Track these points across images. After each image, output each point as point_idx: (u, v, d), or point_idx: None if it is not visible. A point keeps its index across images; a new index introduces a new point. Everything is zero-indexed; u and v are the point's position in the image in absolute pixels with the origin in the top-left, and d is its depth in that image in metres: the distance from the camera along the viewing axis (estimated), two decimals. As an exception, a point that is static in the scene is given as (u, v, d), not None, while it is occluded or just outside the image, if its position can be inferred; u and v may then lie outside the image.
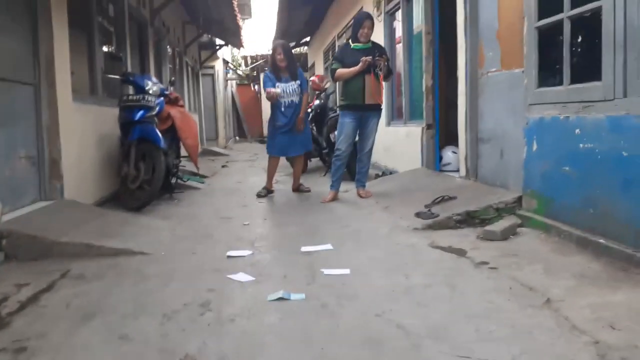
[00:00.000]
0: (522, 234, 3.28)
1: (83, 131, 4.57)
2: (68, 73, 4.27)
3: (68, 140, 4.16)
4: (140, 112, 4.80)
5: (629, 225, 2.57)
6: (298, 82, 5.42)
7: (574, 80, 3.06)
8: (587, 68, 3.03)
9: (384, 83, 4.91)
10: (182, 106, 6.05)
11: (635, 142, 2.52)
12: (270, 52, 5.47)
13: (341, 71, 4.82)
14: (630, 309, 2.07)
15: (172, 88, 6.04)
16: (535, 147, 3.38)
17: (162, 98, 5.15)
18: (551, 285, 2.37)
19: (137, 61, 7.19)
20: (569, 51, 3.07)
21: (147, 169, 4.72)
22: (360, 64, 4.64)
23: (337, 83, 5.15)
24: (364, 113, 4.87)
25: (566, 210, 3.09)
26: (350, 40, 4.91)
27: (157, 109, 4.97)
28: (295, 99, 5.41)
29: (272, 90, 5.30)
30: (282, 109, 5.39)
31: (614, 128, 2.68)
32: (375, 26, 4.98)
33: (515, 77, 3.77)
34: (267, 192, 5.58)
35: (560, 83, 3.16)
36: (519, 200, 3.59)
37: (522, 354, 1.75)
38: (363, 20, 4.78)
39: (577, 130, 2.96)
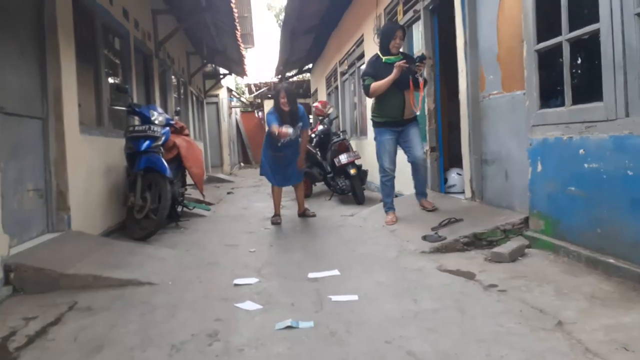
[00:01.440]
0: (530, 255, 3.26)
1: (90, 162, 4.62)
2: (75, 106, 4.34)
3: (75, 171, 4.20)
4: (147, 143, 4.85)
5: (638, 243, 2.55)
6: (300, 124, 5.38)
7: (576, 101, 3.09)
8: (588, 89, 3.06)
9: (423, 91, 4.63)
10: (188, 135, 6.12)
11: (640, 161, 2.52)
12: (275, 93, 5.41)
13: (377, 84, 4.55)
14: (644, 330, 2.04)
15: (177, 118, 6.12)
16: (539, 167, 3.38)
17: (167, 128, 5.21)
18: (562, 307, 2.35)
19: (143, 92, 7.31)
20: (569, 73, 3.10)
21: (154, 198, 4.74)
22: (394, 71, 4.42)
23: (372, 99, 4.86)
24: (402, 127, 4.69)
25: (574, 231, 3.07)
26: (380, 53, 4.66)
27: (163, 138, 5.03)
28: (294, 136, 5.36)
29: (282, 130, 5.03)
30: (279, 145, 5.32)
31: (617, 148, 2.68)
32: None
33: (517, 99, 3.80)
34: (280, 218, 5.53)
35: (562, 104, 3.18)
36: (525, 221, 3.57)
37: (536, 379, 1.72)
38: (395, 31, 4.58)
39: (581, 151, 2.96)
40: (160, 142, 4.95)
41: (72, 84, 4.29)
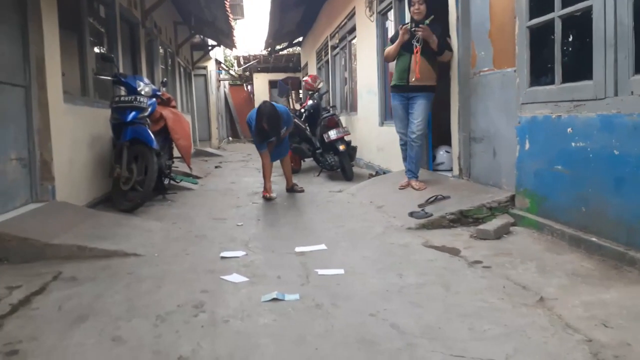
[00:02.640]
0: (515, 232, 3.30)
1: (74, 132, 4.54)
2: (59, 74, 4.24)
3: (59, 141, 4.13)
4: (133, 113, 4.78)
5: (620, 223, 2.59)
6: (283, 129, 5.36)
7: (566, 79, 3.08)
8: (579, 67, 3.06)
9: (439, 62, 4.60)
10: (175, 107, 6.03)
11: (627, 141, 2.54)
12: (257, 113, 5.19)
13: (387, 48, 4.67)
14: (623, 307, 2.08)
15: (164, 89, 6.01)
16: (527, 146, 3.40)
17: (154, 99, 5.13)
18: (544, 284, 2.39)
19: (129, 62, 7.15)
20: (560, 50, 3.09)
21: (140, 170, 4.70)
22: (400, 34, 4.46)
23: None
24: (410, 94, 4.65)
25: (559, 209, 3.10)
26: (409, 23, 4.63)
27: (150, 109, 4.95)
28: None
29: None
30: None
31: (605, 127, 2.70)
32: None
33: (507, 77, 3.79)
34: (271, 194, 5.42)
35: (552, 82, 3.18)
36: (511, 199, 3.60)
37: (516, 352, 1.75)
38: None
39: (569, 129, 2.97)
40: (146, 114, 4.88)
41: (55, 52, 4.18)
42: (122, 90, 5.22)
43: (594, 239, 2.75)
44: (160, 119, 5.36)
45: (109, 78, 5.20)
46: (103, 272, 2.85)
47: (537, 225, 3.23)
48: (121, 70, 6.10)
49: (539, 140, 3.29)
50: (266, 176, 5.49)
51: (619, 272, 2.46)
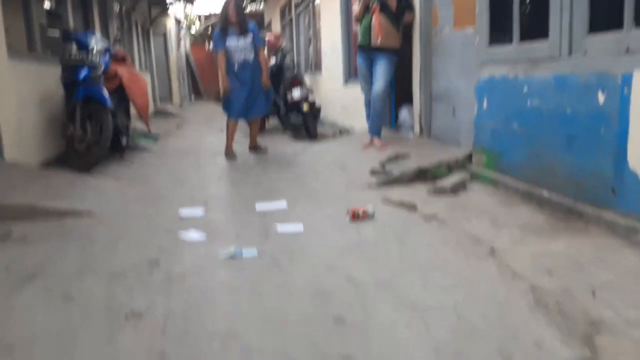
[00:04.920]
0: (471, 188, 3.37)
1: (22, 90, 4.30)
2: (1, 28, 3.97)
3: (5, 100, 3.91)
4: (85, 71, 4.55)
5: (570, 178, 2.68)
6: (250, 36, 5.17)
7: (523, 38, 3.10)
8: (536, 26, 3.06)
9: (402, 24, 4.58)
10: (130, 65, 5.79)
11: (578, 100, 2.59)
12: (223, 7, 5.20)
13: (355, 8, 4.67)
14: (568, 256, 2.17)
15: (118, 46, 5.75)
16: (485, 104, 3.44)
17: (107, 56, 4.90)
18: (496, 236, 2.46)
19: (80, 18, 6.77)
20: (519, 9, 3.10)
21: (94, 129, 4.53)
22: None
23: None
24: (372, 54, 4.65)
25: (513, 165, 3.18)
26: None
27: (103, 67, 4.74)
28: (250, 56, 5.20)
29: (223, 75, 5.22)
30: (236, 70, 5.17)
31: (559, 86, 2.74)
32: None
33: (468, 36, 3.78)
34: (233, 153, 5.33)
35: (510, 41, 3.19)
36: (469, 156, 3.67)
37: (464, 300, 1.82)
38: None
39: (525, 88, 3.01)
40: (99, 71, 4.66)
41: (-5, 2, 3.90)
42: (73, 47, 4.95)
43: (545, 193, 2.83)
44: (115, 77, 5.14)
45: (57, 34, 4.92)
46: (55, 232, 2.77)
47: (493, 181, 3.31)
48: (72, 27, 5.77)
49: (496, 99, 3.33)
50: (229, 136, 5.39)
51: (567, 225, 2.56)
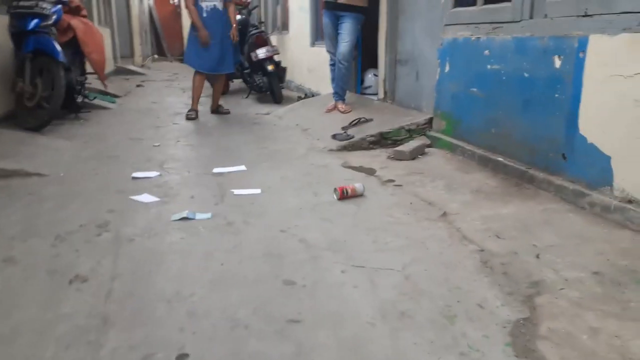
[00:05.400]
0: (430, 153, 3.40)
1: (-36, 40, 4.03)
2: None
3: (-55, 49, 3.66)
4: (35, 21, 4.28)
5: (524, 143, 2.72)
6: None
7: (487, 0, 3.07)
8: (500, -12, 3.04)
9: None
10: (86, 16, 5.48)
11: (536, 63, 2.61)
12: None
13: None
14: (517, 220, 2.23)
15: (72, -5, 5.41)
16: (447, 68, 3.42)
17: (59, 5, 4.61)
18: (449, 200, 2.50)
19: (30, -37, 6.32)
20: (484, -31, 3.05)
21: (46, 85, 4.30)
22: None
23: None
24: (338, 13, 4.49)
25: (471, 131, 3.21)
26: None
27: (54, 17, 4.46)
28: (218, 4, 5.03)
29: (197, 21, 4.97)
30: (204, 15, 5.00)
31: (518, 49, 2.74)
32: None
33: (434, -4, 3.72)
34: (196, 113, 5.21)
35: (474, 3, 3.16)
36: (430, 121, 3.68)
37: (413, 262, 1.84)
38: None
39: (486, 52, 3.01)
40: (50, 22, 4.39)
41: None
42: (22, -6, 4.64)
43: (500, 158, 2.88)
44: (68, 30, 4.86)
45: (3, -21, 4.59)
46: (0, 192, 2.65)
47: (451, 147, 3.34)
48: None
49: (459, 63, 3.31)
50: (195, 93, 5.24)
51: (519, 189, 2.62)
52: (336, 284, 1.71)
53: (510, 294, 1.63)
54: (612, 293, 1.61)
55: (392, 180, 2.85)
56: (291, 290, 1.67)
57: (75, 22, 4.97)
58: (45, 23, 4.34)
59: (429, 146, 3.48)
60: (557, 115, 2.46)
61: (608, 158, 2.20)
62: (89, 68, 5.47)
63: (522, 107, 2.73)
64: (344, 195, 2.56)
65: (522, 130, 2.74)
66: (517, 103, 2.76)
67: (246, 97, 7.04)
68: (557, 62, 2.45)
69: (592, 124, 2.29)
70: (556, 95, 2.46)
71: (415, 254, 1.90)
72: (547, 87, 2.53)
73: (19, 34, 4.33)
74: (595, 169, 2.26)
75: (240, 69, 7.02)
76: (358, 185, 2.62)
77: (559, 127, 2.46)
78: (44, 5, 4.36)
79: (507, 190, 2.61)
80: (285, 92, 7.03)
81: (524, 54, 2.70)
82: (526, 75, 2.69)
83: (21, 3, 4.34)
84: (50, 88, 4.28)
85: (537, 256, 1.87)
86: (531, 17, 2.67)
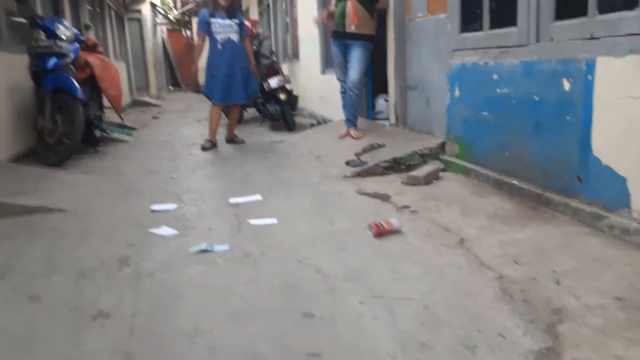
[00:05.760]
0: (444, 178, 3.40)
1: (-13, 81, 4.18)
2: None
3: (-31, 91, 3.80)
4: (53, 60, 4.45)
5: (538, 166, 2.72)
6: (236, 21, 5.21)
7: (494, 25, 3.11)
8: (505, 13, 3.07)
9: (374, 12, 4.51)
10: (102, 53, 5.67)
11: (545, 87, 2.63)
12: None
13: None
14: (534, 244, 2.21)
15: (89, 33, 5.61)
16: (457, 93, 3.45)
17: (77, 44, 4.79)
18: (466, 226, 2.49)
19: (49, 3, 6.58)
20: (489, -4, 3.10)
21: (65, 121, 4.43)
22: None
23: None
24: (347, 42, 4.57)
25: (485, 154, 3.21)
26: None
27: (72, 56, 4.63)
28: (234, 37, 5.20)
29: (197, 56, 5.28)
30: (219, 47, 5.16)
31: (527, 73, 2.77)
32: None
33: (440, 23, 3.78)
34: (212, 144, 5.32)
35: (481, 28, 3.20)
36: (442, 145, 3.69)
37: (431, 290, 1.84)
38: None
39: (495, 76, 3.03)
40: (68, 60, 4.56)
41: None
42: (41, 35, 4.82)
43: (514, 181, 2.87)
44: (86, 67, 5.03)
45: (24, 20, 4.77)
46: (23, 229, 2.72)
47: (465, 170, 3.35)
48: (40, 13, 5.60)
49: (468, 88, 3.34)
50: (213, 123, 5.36)
51: (535, 212, 2.60)
52: (355, 315, 1.71)
53: (531, 322, 1.62)
54: (636, 319, 1.59)
55: (408, 206, 2.86)
56: (310, 322, 1.68)
57: (92, 59, 5.14)
58: (63, 61, 4.51)
59: (442, 170, 3.49)
60: (570, 137, 2.46)
61: (623, 179, 2.19)
62: (106, 102, 5.63)
63: (533, 130, 2.74)
64: (380, 230, 2.36)
65: (534, 153, 2.74)
66: (528, 126, 2.77)
67: (260, 126, 7.14)
68: (567, 85, 2.46)
69: (605, 145, 2.28)
70: (567, 118, 2.47)
71: (433, 282, 1.90)
72: (557, 110, 2.54)
73: (39, 73, 4.49)
74: (611, 190, 2.25)
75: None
76: (394, 220, 2.41)
77: (572, 150, 2.46)
78: (62, 44, 4.52)
79: (523, 214, 2.60)
80: (297, 119, 7.12)
81: (532, 77, 2.72)
82: (536, 98, 2.70)
83: (40, 43, 4.51)
84: (69, 124, 4.41)
85: (557, 282, 1.86)
86: (537, 41, 2.69)
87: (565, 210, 2.48)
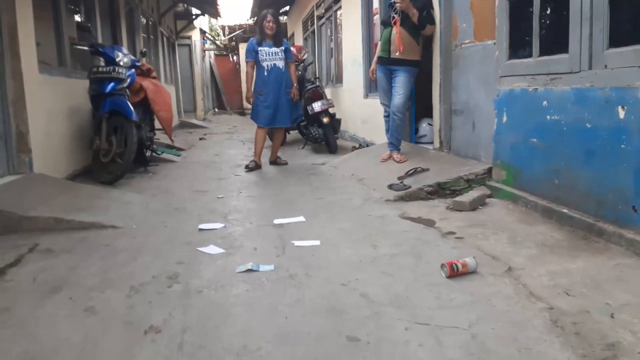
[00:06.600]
0: (490, 204, 3.35)
1: (51, 104, 4.46)
2: (33, 43, 4.13)
3: (35, 113, 4.06)
4: (111, 84, 4.71)
5: (590, 195, 2.64)
6: (282, 48, 5.42)
7: (543, 52, 3.08)
8: (556, 40, 3.05)
9: (422, 36, 4.59)
10: (155, 78, 5.94)
11: (598, 114, 2.57)
12: (259, 19, 5.47)
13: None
14: (586, 276, 2.14)
15: (143, 59, 5.91)
16: (505, 118, 3.42)
17: (133, 70, 5.05)
18: (514, 254, 2.44)
19: (109, 32, 6.99)
20: (539, 23, 3.08)
21: (120, 142, 4.66)
22: None
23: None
24: (391, 67, 4.66)
25: (533, 181, 3.15)
26: None
27: (129, 80, 4.89)
28: (279, 63, 5.38)
29: (248, 84, 5.49)
30: (265, 73, 5.36)
31: (578, 100, 2.72)
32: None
33: (487, 49, 3.77)
34: (256, 165, 5.47)
35: (530, 55, 3.18)
36: (489, 171, 3.64)
37: (479, 320, 1.80)
38: None
39: (545, 102, 2.99)
40: (125, 85, 4.81)
41: (28, 19, 4.07)
42: (101, 61, 5.13)
43: (565, 210, 2.80)
44: (140, 90, 5.29)
45: (85, 48, 5.09)
46: (79, 244, 2.86)
47: (512, 197, 3.28)
48: (100, 41, 5.96)
49: (516, 113, 3.30)
50: (258, 145, 5.52)
51: (587, 243, 2.52)
52: (400, 341, 1.70)
53: (584, 356, 1.56)
54: (699, 358, 1.51)
55: (453, 233, 2.83)
56: (355, 347, 1.68)
57: (146, 83, 5.40)
58: (120, 86, 4.76)
59: (489, 196, 3.44)
60: (624, 166, 2.39)
61: (684, 211, 2.10)
62: (157, 124, 5.88)
63: (585, 158, 2.67)
64: (454, 272, 2.18)
65: (586, 181, 2.67)
66: (580, 153, 2.71)
67: (302, 148, 7.25)
68: (621, 113, 2.40)
69: (663, 175, 2.20)
70: (622, 146, 2.40)
71: (481, 312, 1.87)
72: (611, 138, 2.47)
73: (97, 96, 4.75)
74: (670, 222, 2.16)
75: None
76: (469, 260, 2.24)
77: (626, 179, 2.38)
78: (120, 70, 4.78)
79: (574, 244, 2.52)
80: (339, 142, 7.20)
81: (584, 104, 2.67)
82: (588, 125, 2.64)
83: (100, 69, 4.79)
84: (123, 145, 4.62)
85: (612, 315, 1.79)
86: (590, 68, 2.65)
87: (619, 241, 2.39)
